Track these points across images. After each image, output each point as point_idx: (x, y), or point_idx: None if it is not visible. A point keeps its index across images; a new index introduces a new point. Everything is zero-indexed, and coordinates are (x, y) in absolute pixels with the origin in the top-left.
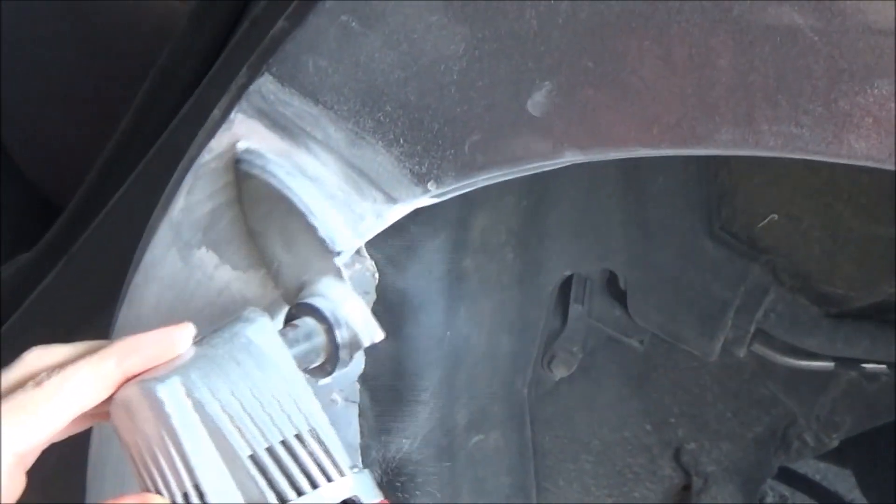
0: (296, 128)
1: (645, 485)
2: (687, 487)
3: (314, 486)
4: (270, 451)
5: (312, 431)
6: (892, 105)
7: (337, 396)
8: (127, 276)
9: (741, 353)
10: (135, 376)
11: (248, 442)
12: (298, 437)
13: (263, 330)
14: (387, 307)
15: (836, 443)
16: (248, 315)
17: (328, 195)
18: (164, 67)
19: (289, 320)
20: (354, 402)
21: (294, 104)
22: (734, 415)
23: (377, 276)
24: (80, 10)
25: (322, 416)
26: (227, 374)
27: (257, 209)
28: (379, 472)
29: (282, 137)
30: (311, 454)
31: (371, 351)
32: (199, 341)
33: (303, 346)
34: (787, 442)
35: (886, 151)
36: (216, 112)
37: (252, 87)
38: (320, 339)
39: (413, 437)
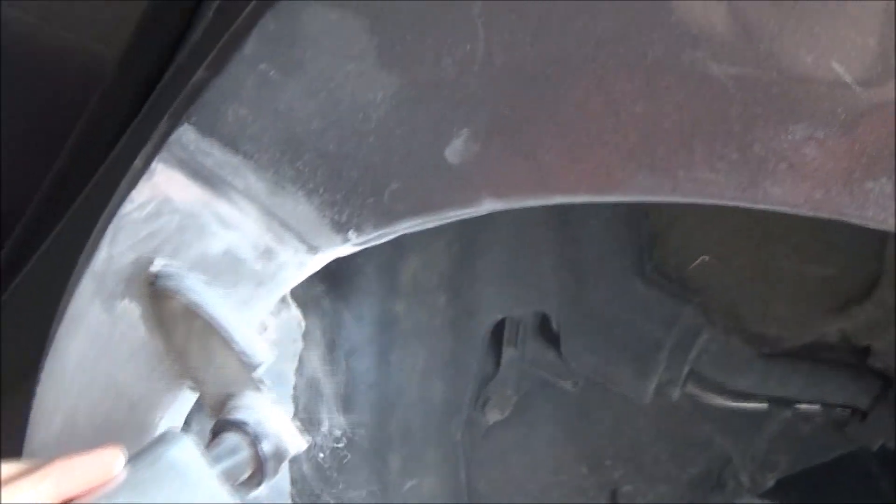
0: (216, 178)
1: None
2: None
3: None
4: None
5: None
6: (807, 150)
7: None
8: (52, 327)
9: (675, 394)
10: (68, 500)
11: None
12: None
13: (185, 450)
14: (318, 355)
15: (771, 482)
16: (169, 437)
17: (249, 240)
18: (93, 114)
19: (214, 435)
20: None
21: (214, 154)
22: (670, 456)
23: (304, 323)
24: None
25: None
26: (152, 499)
27: (178, 327)
28: None
29: (202, 187)
30: None
31: (302, 397)
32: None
33: (228, 462)
34: (723, 482)
35: (802, 197)
36: (138, 162)
37: (173, 137)
38: (245, 452)
39: (346, 482)
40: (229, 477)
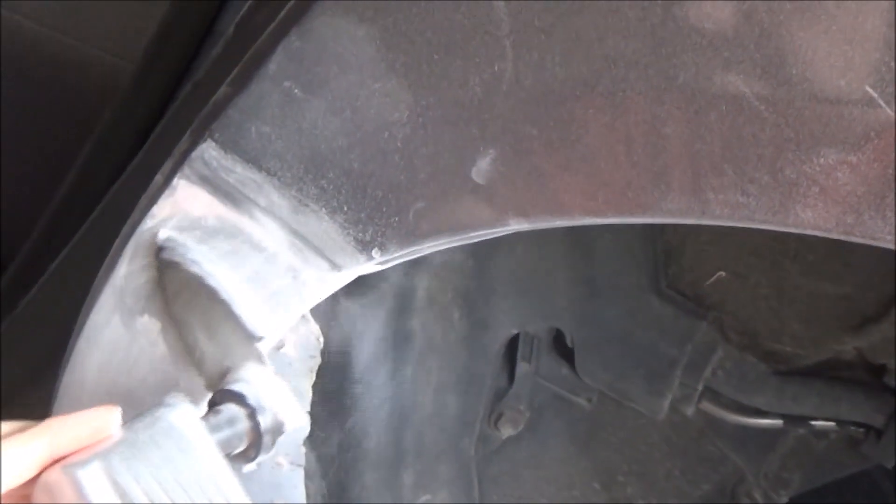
0: (239, 194)
1: None
2: None
3: None
4: None
5: None
6: (839, 174)
7: (282, 460)
8: (70, 341)
9: (689, 410)
10: (62, 457)
11: None
12: None
13: (185, 415)
14: (333, 369)
15: (784, 500)
16: (170, 400)
17: (256, 277)
18: (106, 128)
19: (212, 406)
20: (300, 465)
21: (237, 171)
22: (682, 473)
23: (322, 339)
24: (24, 68)
25: (244, 498)
26: (149, 458)
27: (179, 297)
28: None
29: (225, 204)
30: None
31: (318, 413)
32: (122, 425)
33: (225, 432)
34: (736, 499)
35: (833, 221)
36: (159, 177)
37: (195, 154)
38: (243, 424)
39: (360, 497)
40: (225, 447)
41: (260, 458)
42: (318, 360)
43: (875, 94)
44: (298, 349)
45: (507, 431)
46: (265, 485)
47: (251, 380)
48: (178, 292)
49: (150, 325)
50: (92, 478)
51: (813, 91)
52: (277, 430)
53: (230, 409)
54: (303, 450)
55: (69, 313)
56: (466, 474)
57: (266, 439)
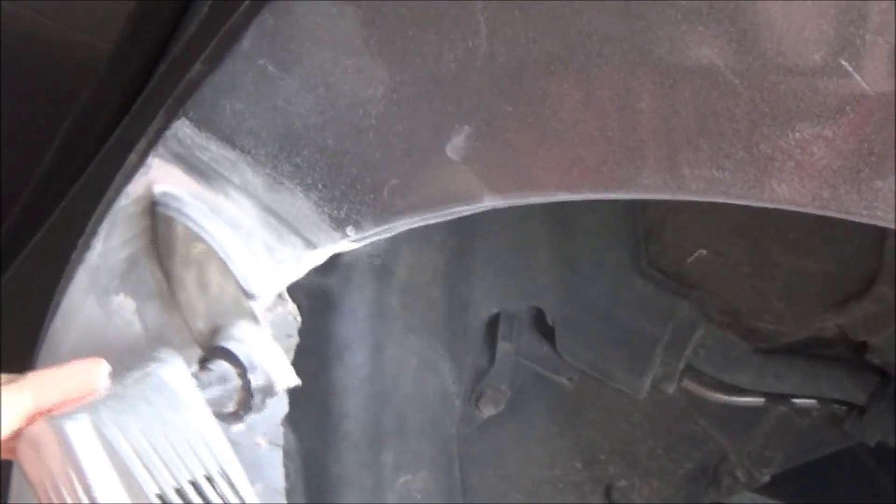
0: (213, 172)
1: None
2: None
3: None
4: (179, 491)
5: (222, 472)
6: (815, 149)
7: (261, 440)
8: (45, 322)
9: (671, 389)
10: (47, 411)
11: (156, 481)
12: (208, 477)
13: (176, 371)
14: (311, 348)
15: (767, 478)
16: (161, 356)
17: (246, 239)
18: (85, 107)
19: (203, 364)
20: (279, 445)
21: (211, 149)
22: (665, 451)
23: (299, 318)
24: (3, 48)
25: (233, 457)
26: (138, 412)
27: (174, 252)
28: None
29: (199, 182)
30: (221, 495)
31: (296, 393)
32: (111, 380)
33: (216, 390)
34: (719, 478)
35: (809, 196)
36: (133, 156)
37: (169, 132)
38: (234, 383)
39: (339, 477)
40: (215, 405)
41: (249, 417)
42: (296, 340)
43: (850, 68)
44: (275, 328)
45: (488, 411)
46: (244, 464)
47: (244, 339)
48: (172, 247)
49: (125, 305)
50: (78, 430)
51: (787, 65)
52: (268, 389)
53: (221, 367)
54: (281, 429)
55: (45, 294)
56: (447, 454)
57: (256, 399)
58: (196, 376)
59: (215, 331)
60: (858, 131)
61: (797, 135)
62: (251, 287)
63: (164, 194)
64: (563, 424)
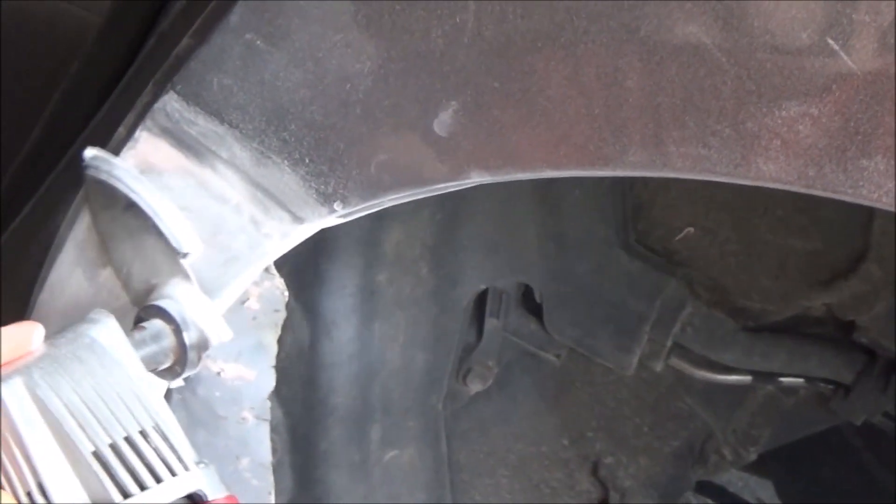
0: (201, 147)
1: (562, 499)
2: (604, 502)
3: (158, 480)
4: (114, 447)
5: (157, 428)
6: (800, 127)
7: (247, 414)
8: (32, 295)
9: (658, 367)
10: None
11: (90, 439)
12: (142, 433)
13: (108, 330)
14: (299, 323)
15: (753, 456)
16: (93, 316)
17: (234, 213)
18: (74, 80)
19: (137, 323)
20: (265, 419)
21: (199, 123)
22: (651, 429)
23: (287, 293)
24: None
25: (168, 412)
26: (70, 372)
27: (106, 214)
28: (292, 483)
29: (187, 156)
30: (156, 450)
31: (284, 367)
32: (45, 343)
33: (150, 348)
34: (705, 456)
35: (795, 174)
36: (121, 130)
37: (157, 106)
38: (168, 340)
39: (326, 452)
40: (150, 363)
41: (185, 374)
42: (283, 314)
43: (836, 46)
44: (262, 303)
45: (475, 387)
46: (230, 439)
47: (177, 296)
48: (104, 208)
49: (112, 278)
50: (12, 392)
51: (774, 43)
52: (203, 345)
53: (155, 325)
54: (268, 404)
55: (34, 267)
56: (434, 430)
57: (191, 355)
58: (130, 335)
59: (149, 290)
60: (844, 110)
61: (783, 113)
62: (181, 245)
63: (94, 157)
64: (551, 401)
